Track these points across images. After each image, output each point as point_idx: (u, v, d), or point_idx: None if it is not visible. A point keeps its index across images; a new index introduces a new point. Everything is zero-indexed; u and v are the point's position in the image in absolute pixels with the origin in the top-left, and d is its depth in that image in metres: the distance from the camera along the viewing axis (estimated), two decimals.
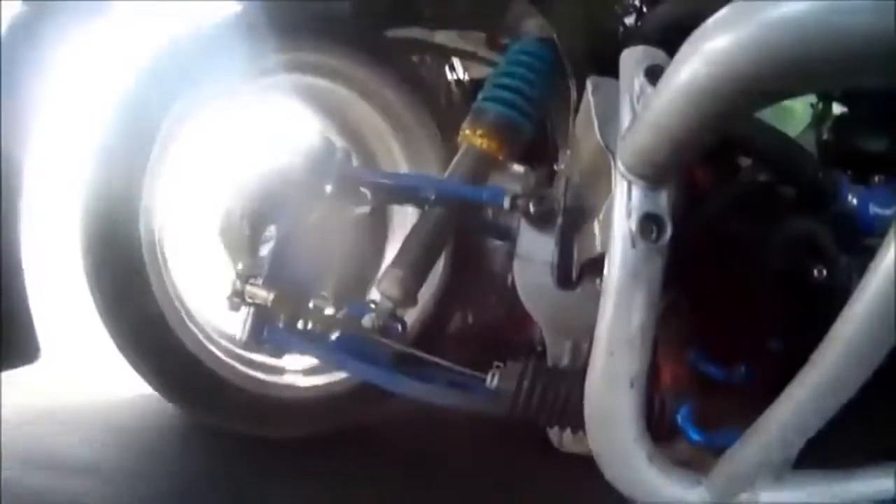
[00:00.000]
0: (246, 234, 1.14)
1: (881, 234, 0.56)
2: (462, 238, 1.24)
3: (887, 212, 0.98)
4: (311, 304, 1.10)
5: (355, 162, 1.36)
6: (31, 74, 0.81)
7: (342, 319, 1.05)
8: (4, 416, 1.04)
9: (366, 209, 1.16)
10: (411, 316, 1.24)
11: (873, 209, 0.97)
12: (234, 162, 1.24)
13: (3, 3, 0.78)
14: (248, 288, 1.04)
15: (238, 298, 1.06)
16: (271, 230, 1.09)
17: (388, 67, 1.29)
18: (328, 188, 1.10)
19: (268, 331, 1.07)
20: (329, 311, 1.09)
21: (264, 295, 1.03)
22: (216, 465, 1.16)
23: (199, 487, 1.07)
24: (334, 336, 1.08)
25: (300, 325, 1.08)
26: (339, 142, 1.39)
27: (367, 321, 0.99)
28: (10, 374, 0.82)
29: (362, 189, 1.13)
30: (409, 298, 1.04)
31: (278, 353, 1.15)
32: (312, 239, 1.09)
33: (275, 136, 1.30)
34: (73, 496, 1.00)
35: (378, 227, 1.42)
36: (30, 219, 0.85)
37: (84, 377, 1.45)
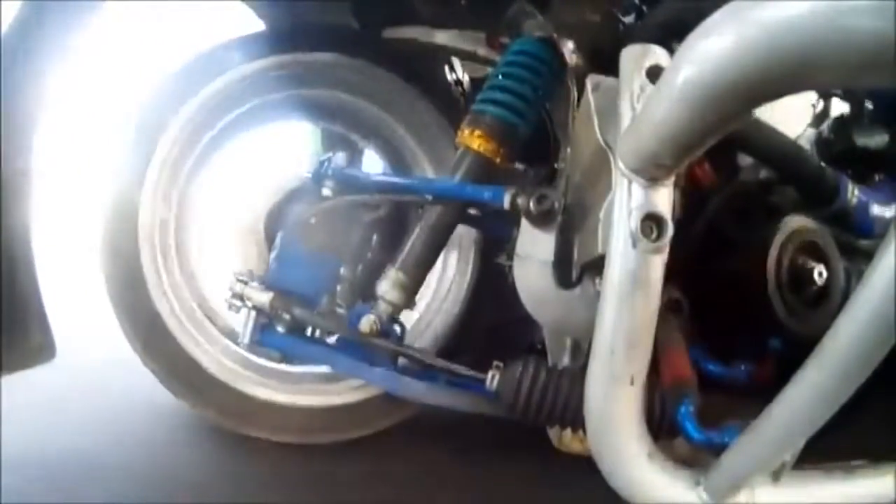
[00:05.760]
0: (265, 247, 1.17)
1: (881, 234, 0.56)
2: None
3: (887, 211, 0.98)
4: (311, 308, 1.10)
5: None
6: (31, 75, 0.81)
7: (342, 322, 1.05)
8: (5, 416, 1.04)
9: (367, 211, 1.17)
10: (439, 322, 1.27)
11: (873, 209, 0.97)
12: (248, 181, 1.28)
13: (2, 3, 0.78)
14: (246, 290, 1.05)
15: (237, 300, 1.07)
16: (278, 237, 1.11)
17: (398, 72, 1.30)
18: (326, 191, 1.10)
19: (269, 334, 1.07)
20: (329, 313, 1.09)
21: (261, 297, 1.04)
22: (219, 468, 1.16)
23: (202, 491, 1.08)
24: (335, 339, 1.08)
25: (302, 328, 1.09)
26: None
27: (365, 324, 0.99)
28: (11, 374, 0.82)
29: (362, 191, 1.13)
30: (408, 300, 1.03)
31: (280, 357, 1.15)
32: (313, 242, 1.10)
33: (278, 147, 1.32)
34: (73, 496, 1.00)
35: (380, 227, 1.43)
36: (41, 219, 0.86)
37: (92, 377, 1.46)
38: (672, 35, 0.81)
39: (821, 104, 1.25)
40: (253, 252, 1.36)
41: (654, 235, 0.65)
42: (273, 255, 1.10)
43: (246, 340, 1.07)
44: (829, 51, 0.45)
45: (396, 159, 1.35)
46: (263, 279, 1.08)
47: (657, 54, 0.69)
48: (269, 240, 1.33)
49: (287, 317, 1.06)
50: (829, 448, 0.66)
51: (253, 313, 1.07)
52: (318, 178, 1.12)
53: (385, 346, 1.00)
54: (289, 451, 1.20)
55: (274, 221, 1.34)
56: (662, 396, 0.79)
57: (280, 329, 1.07)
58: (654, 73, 0.67)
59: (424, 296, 1.28)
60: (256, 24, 1.32)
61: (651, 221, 0.65)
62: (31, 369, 0.82)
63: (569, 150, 0.89)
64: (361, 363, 1.03)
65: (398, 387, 1.01)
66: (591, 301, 0.76)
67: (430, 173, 1.29)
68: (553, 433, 1.17)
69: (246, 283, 1.06)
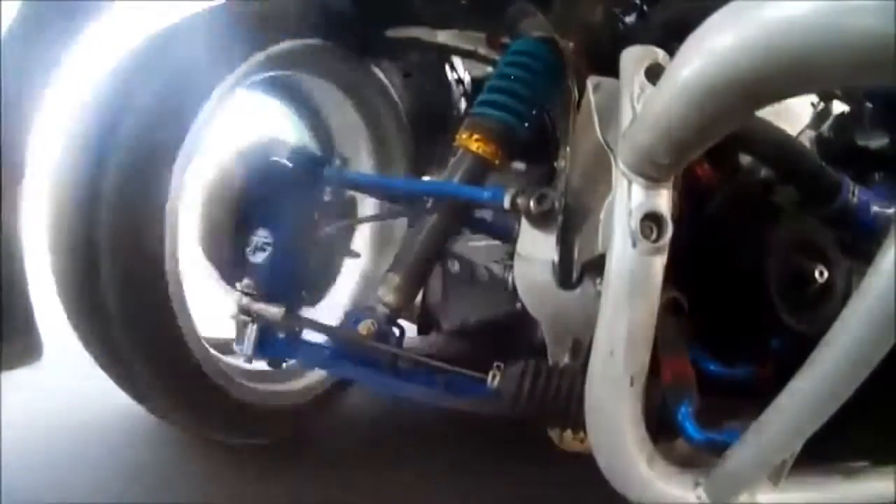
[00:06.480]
0: (229, 240, 1.12)
1: (881, 234, 0.56)
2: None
3: (888, 211, 0.98)
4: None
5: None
6: (31, 75, 0.81)
7: (340, 327, 1.04)
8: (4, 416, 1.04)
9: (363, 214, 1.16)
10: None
11: (874, 208, 0.97)
12: (215, 162, 1.21)
13: (2, 3, 0.78)
14: (255, 305, 1.02)
15: (245, 315, 1.03)
16: (261, 235, 1.07)
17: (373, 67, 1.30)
18: (325, 195, 1.09)
19: (270, 342, 1.06)
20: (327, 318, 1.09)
21: (273, 311, 1.01)
22: (210, 471, 1.16)
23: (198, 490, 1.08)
24: (334, 343, 1.07)
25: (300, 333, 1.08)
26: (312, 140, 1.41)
27: (363, 327, 0.98)
28: (10, 375, 0.82)
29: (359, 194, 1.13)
30: (406, 304, 1.03)
31: (279, 363, 1.14)
32: (310, 246, 1.09)
33: (264, 137, 1.29)
34: (73, 496, 1.01)
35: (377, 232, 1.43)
36: (31, 218, 0.85)
37: (85, 378, 1.46)
38: (673, 35, 0.81)
39: (821, 105, 1.25)
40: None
41: (654, 235, 0.65)
42: (264, 255, 1.06)
43: (249, 352, 1.04)
44: (829, 51, 0.45)
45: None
46: (259, 285, 1.05)
47: (657, 55, 0.69)
48: (239, 228, 1.25)
49: (290, 324, 1.05)
50: (829, 448, 0.65)
51: (257, 325, 1.03)
52: (312, 177, 1.10)
53: (384, 348, 1.00)
54: (285, 451, 1.20)
55: (247, 210, 1.20)
56: (662, 396, 0.79)
57: (280, 335, 1.06)
58: (654, 74, 0.67)
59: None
60: None
61: (651, 221, 0.65)
62: (19, 370, 0.81)
63: (569, 150, 0.89)
64: (362, 366, 1.02)
65: (400, 388, 1.01)
66: (592, 301, 0.76)
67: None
68: (553, 433, 1.17)
69: (253, 295, 1.03)
